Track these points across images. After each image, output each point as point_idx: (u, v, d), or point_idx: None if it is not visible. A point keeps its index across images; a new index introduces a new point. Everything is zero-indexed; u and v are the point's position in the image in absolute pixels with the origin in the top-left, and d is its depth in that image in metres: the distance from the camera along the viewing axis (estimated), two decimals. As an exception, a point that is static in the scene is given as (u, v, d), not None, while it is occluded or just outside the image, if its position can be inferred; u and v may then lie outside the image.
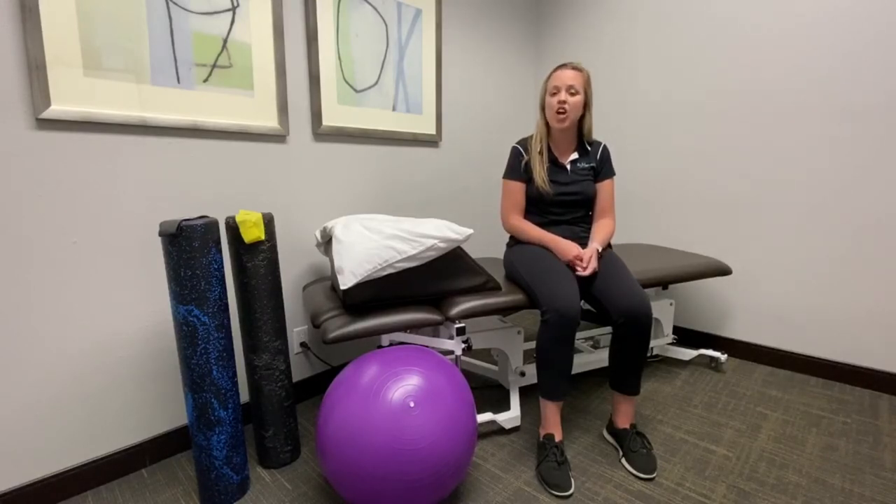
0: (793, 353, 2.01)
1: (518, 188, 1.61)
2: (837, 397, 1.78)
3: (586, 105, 1.56)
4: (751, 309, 2.11)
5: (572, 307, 1.32)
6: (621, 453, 1.41)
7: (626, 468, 1.36)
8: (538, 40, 2.74)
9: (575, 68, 1.53)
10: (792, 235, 1.97)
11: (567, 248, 1.49)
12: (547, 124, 1.59)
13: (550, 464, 1.31)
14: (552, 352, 1.34)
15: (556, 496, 1.26)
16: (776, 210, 2.00)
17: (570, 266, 1.47)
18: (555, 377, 1.36)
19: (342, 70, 1.77)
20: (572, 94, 1.51)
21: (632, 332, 1.36)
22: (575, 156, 1.62)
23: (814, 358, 1.96)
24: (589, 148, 1.64)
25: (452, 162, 2.30)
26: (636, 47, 2.34)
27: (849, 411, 1.68)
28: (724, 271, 1.90)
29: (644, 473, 1.32)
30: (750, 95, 2.01)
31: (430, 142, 2.17)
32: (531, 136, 1.64)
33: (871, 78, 1.73)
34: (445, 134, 2.24)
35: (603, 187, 1.62)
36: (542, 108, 1.60)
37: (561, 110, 1.52)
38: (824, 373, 1.94)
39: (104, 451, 1.32)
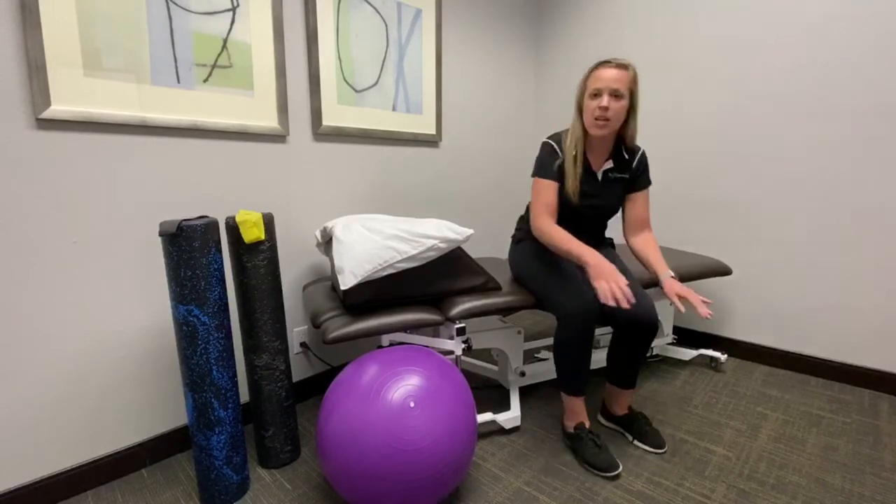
0: (793, 353, 2.01)
1: (551, 188, 1.42)
2: (837, 397, 1.78)
3: (631, 109, 1.37)
4: (751, 309, 2.11)
5: (592, 311, 1.31)
6: (631, 437, 1.48)
7: (640, 447, 1.45)
8: (538, 40, 2.74)
9: (620, 66, 1.31)
10: (792, 236, 1.97)
11: (609, 272, 1.23)
12: (581, 128, 1.40)
13: (592, 450, 1.35)
14: (574, 353, 1.34)
15: (608, 477, 1.31)
16: (776, 210, 1.99)
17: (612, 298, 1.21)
18: (578, 375, 1.38)
19: (342, 70, 1.77)
20: (616, 98, 1.31)
21: (637, 337, 1.38)
22: (609, 164, 1.46)
23: (814, 358, 1.96)
24: (626, 156, 1.47)
25: (452, 162, 2.30)
26: (637, 48, 2.34)
27: (849, 411, 1.68)
28: (724, 271, 1.90)
29: (659, 448, 1.42)
30: (750, 97, 2.01)
31: (430, 142, 2.17)
32: (564, 133, 1.45)
33: (872, 79, 1.73)
34: (445, 134, 2.24)
35: (639, 198, 1.49)
36: (579, 110, 1.40)
37: (602, 118, 1.32)
38: (824, 373, 1.93)
39: (104, 451, 1.32)
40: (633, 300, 1.19)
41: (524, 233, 1.63)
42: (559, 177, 1.42)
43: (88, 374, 1.27)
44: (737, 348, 2.16)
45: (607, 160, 1.46)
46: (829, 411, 1.68)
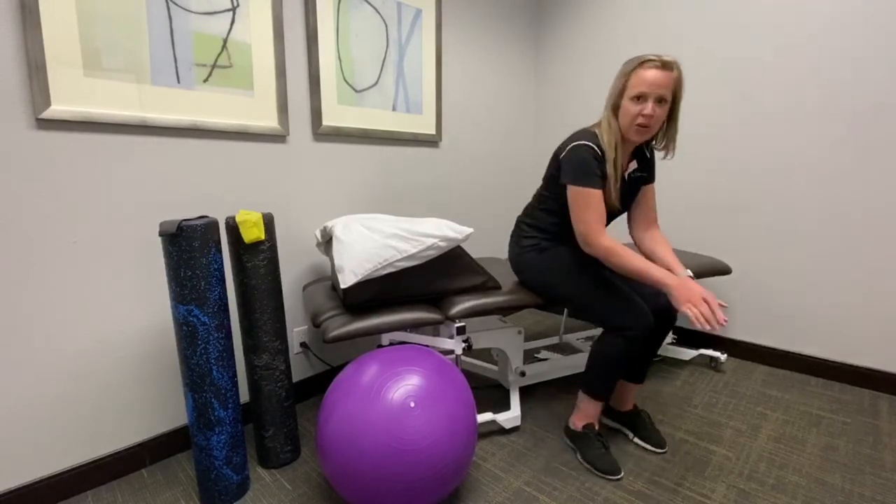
0: (793, 353, 2.01)
1: (601, 198, 1.28)
2: (837, 397, 1.78)
3: (672, 113, 1.28)
4: (751, 309, 2.11)
5: (652, 325, 1.29)
6: (632, 435, 1.49)
7: (641, 446, 1.46)
8: (538, 40, 2.74)
9: (666, 66, 1.20)
10: (792, 235, 1.97)
11: (695, 294, 1.14)
12: (619, 130, 1.30)
13: (598, 451, 1.35)
14: (621, 365, 1.32)
15: (610, 479, 1.31)
16: (776, 210, 1.99)
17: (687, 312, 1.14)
18: (613, 383, 1.36)
19: (342, 70, 1.77)
20: (660, 104, 1.22)
21: (659, 328, 1.39)
22: (634, 165, 1.39)
23: (814, 358, 1.96)
24: (647, 154, 1.41)
25: (452, 162, 2.30)
26: (636, 48, 2.34)
27: (849, 411, 1.68)
28: (723, 271, 1.90)
29: (660, 448, 1.43)
30: (749, 96, 2.01)
31: (430, 142, 2.17)
32: (597, 130, 1.32)
33: (871, 79, 1.73)
34: (445, 134, 2.24)
35: (648, 191, 1.43)
36: (615, 108, 1.29)
37: (644, 125, 1.23)
38: (824, 373, 1.93)
39: (104, 451, 1.32)
40: (725, 322, 1.11)
41: (548, 241, 1.48)
42: (603, 184, 1.30)
43: (88, 374, 1.27)
44: (737, 348, 2.16)
45: (631, 161, 1.39)
46: (829, 411, 1.68)
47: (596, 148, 1.29)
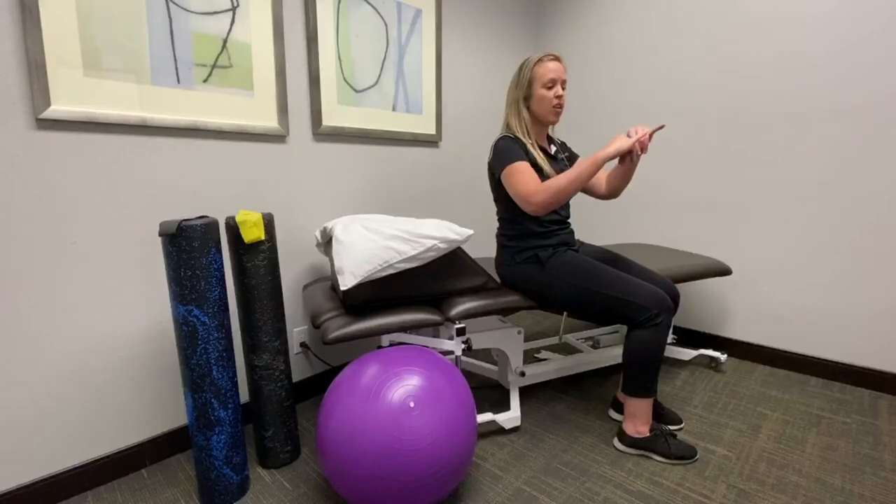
0: (793, 353, 2.01)
1: (529, 167, 1.41)
2: (837, 397, 1.78)
3: None
4: (751, 309, 2.11)
5: (667, 297, 1.36)
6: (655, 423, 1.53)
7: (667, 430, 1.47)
8: (538, 40, 2.74)
9: (559, 59, 1.45)
10: (792, 235, 1.97)
11: (619, 142, 1.32)
12: (529, 117, 1.49)
13: (675, 442, 1.39)
14: (664, 350, 1.36)
15: (690, 462, 1.38)
16: (776, 210, 1.99)
17: (632, 150, 1.34)
18: (658, 372, 1.40)
19: (342, 70, 1.77)
20: (564, 88, 1.48)
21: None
22: (554, 149, 1.59)
23: (814, 358, 1.96)
24: (558, 140, 1.65)
25: (452, 162, 2.30)
26: (634, 48, 2.34)
27: (849, 411, 1.68)
28: (724, 271, 1.90)
29: (680, 423, 1.55)
30: (749, 95, 2.01)
31: (430, 142, 2.17)
32: (509, 127, 1.52)
33: (868, 77, 1.73)
34: (445, 134, 2.24)
35: None
36: (524, 100, 1.48)
37: (559, 105, 1.46)
38: (824, 373, 1.93)
39: (104, 451, 1.32)
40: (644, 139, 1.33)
41: (549, 251, 1.49)
42: (529, 161, 1.46)
43: (88, 373, 1.27)
44: (737, 348, 2.16)
45: (550, 146, 1.59)
46: (829, 411, 1.68)
47: (510, 136, 1.48)
